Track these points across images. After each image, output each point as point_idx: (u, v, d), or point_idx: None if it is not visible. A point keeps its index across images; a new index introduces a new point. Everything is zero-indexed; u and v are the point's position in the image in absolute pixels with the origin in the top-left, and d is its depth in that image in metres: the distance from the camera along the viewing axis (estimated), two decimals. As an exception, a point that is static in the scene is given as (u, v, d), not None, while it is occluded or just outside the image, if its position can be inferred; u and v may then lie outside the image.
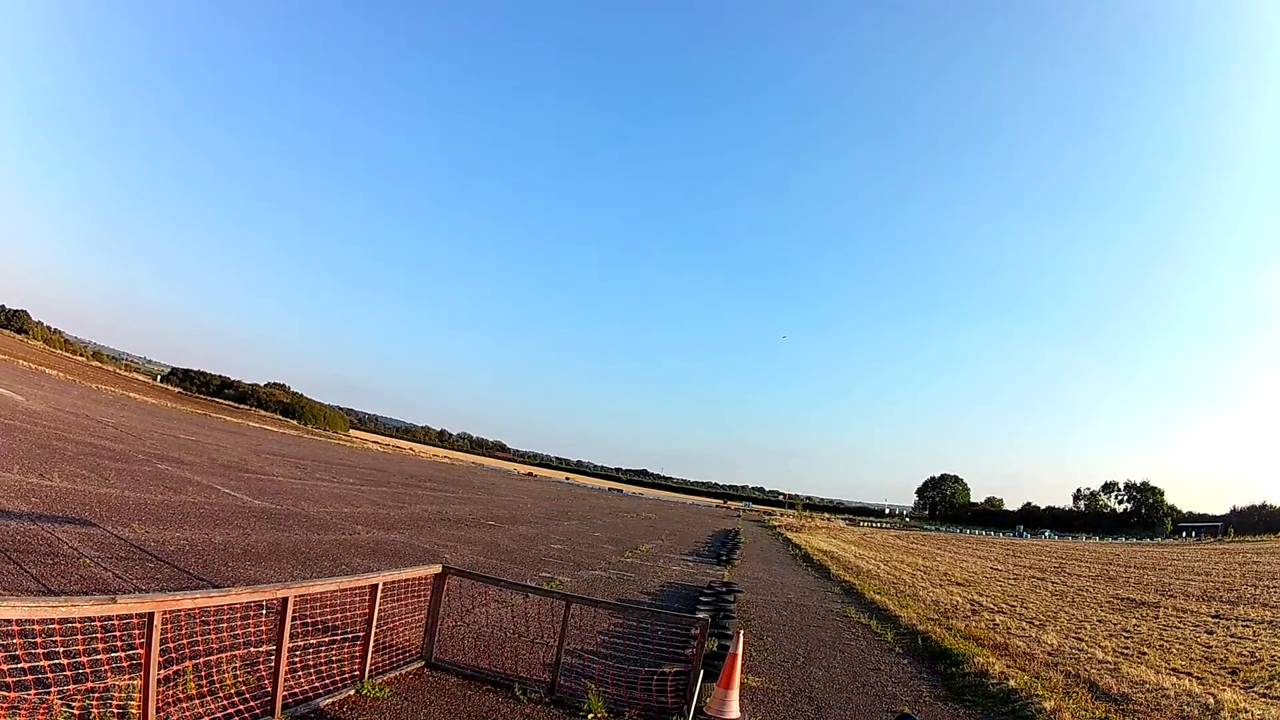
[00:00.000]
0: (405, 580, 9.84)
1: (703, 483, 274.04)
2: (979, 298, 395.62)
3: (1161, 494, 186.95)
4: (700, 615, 12.62)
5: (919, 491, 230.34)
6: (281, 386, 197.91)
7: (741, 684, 9.32)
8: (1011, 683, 12.62)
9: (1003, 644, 16.83)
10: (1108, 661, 15.84)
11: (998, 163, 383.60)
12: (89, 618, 6.16)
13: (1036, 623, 21.89)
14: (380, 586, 8.85)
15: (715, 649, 11.54)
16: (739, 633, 9.59)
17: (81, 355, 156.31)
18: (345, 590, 9.20)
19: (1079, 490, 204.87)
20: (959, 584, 33.73)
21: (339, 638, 9.39)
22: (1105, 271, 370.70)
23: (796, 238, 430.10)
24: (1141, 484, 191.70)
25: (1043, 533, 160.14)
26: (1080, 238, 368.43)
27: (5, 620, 5.26)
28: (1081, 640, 19.07)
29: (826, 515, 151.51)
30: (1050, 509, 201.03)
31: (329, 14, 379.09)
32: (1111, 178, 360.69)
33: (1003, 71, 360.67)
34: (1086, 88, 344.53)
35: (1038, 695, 11.77)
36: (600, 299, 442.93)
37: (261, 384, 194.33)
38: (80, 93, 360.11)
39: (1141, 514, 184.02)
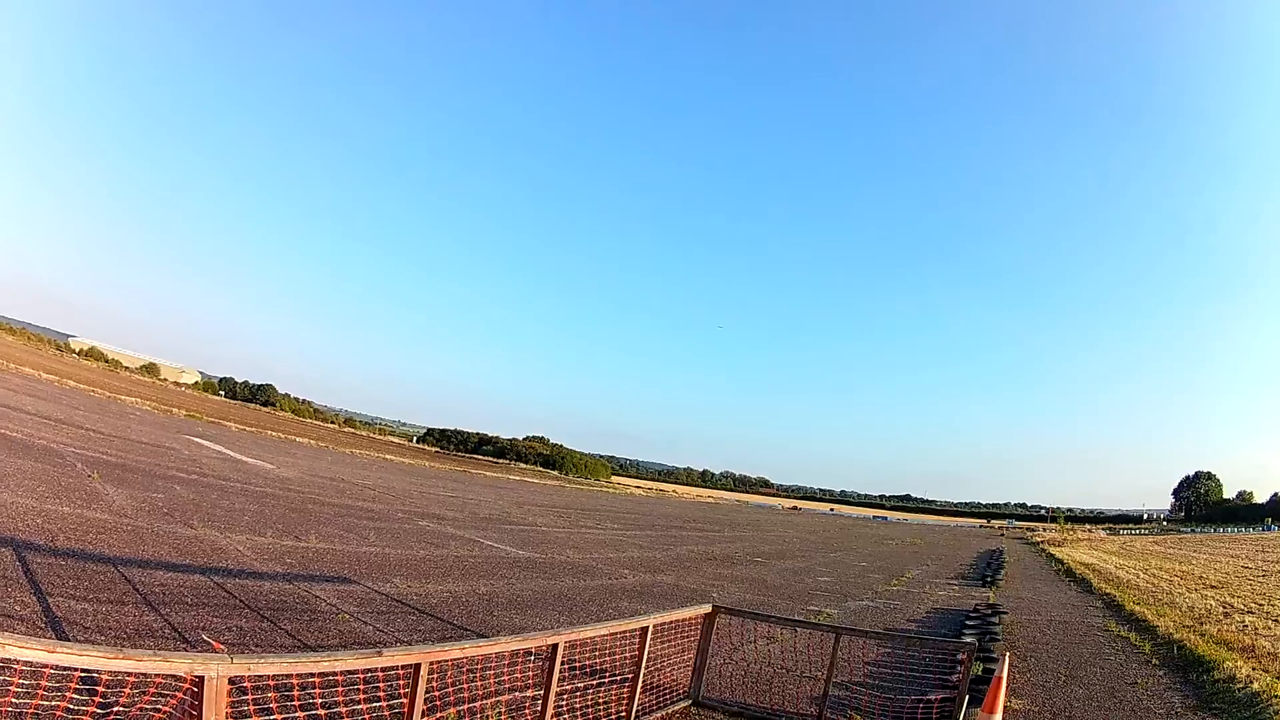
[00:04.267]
0: (675, 621, 10.37)
1: (965, 503, 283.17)
2: (1218, 273, 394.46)
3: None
4: (966, 640, 13.49)
5: (1174, 492, 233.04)
6: (541, 439, 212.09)
7: (1005, 707, 9.79)
8: (1255, 686, 13.50)
9: (1250, 646, 17.91)
10: (1346, 657, 17.40)
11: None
12: (352, 671, 6.54)
13: (1283, 621, 23.67)
14: (651, 628, 9.30)
15: (980, 673, 12.11)
16: (1004, 656, 10.28)
17: (333, 422, 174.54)
18: (615, 634, 9.50)
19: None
20: (1212, 586, 35.74)
21: (606, 680, 9.80)
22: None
23: (1025, 234, 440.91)
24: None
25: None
26: None
27: (260, 676, 5.56)
28: (1324, 636, 20.64)
29: (1088, 527, 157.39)
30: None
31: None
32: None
33: None
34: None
35: (1278, 696, 12.66)
36: (853, 324, 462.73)
37: (520, 438, 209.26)
38: (330, 178, 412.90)
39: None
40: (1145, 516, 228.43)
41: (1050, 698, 12.97)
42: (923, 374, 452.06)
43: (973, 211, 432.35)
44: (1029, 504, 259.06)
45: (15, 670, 4.76)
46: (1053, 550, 70.67)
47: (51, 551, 12.20)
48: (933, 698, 10.56)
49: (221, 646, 8.95)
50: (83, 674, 5.10)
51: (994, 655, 13.15)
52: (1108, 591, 31.64)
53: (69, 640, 8.24)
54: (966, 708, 9.63)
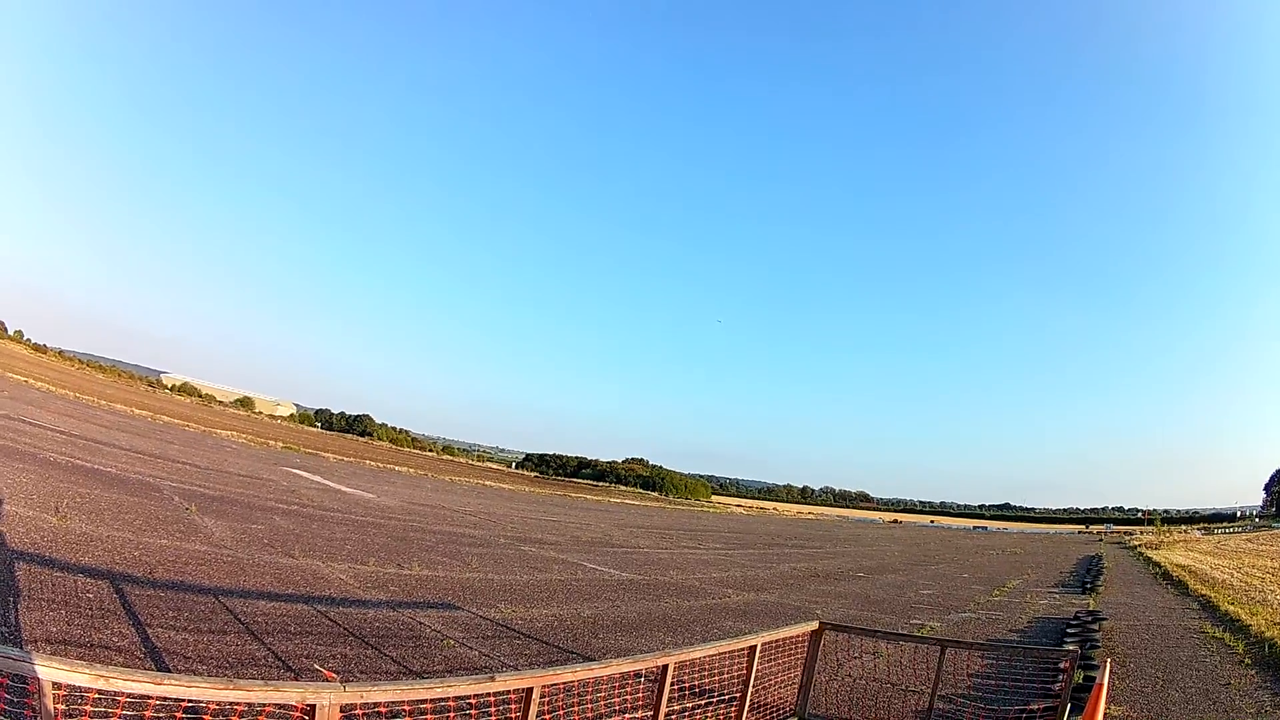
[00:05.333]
0: (782, 640, 10.55)
1: (1064, 509, 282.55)
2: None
3: None
4: (1068, 648, 14.25)
5: (1266, 487, 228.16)
6: (640, 461, 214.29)
7: (1105, 713, 9.86)
8: (1341, 680, 13.98)
9: (1336, 640, 18.49)
10: None
11: None
12: (463, 696, 6.53)
13: (1365, 613, 23.87)
14: (759, 647, 9.53)
15: (1082, 681, 12.22)
16: (1105, 663, 10.72)
17: (431, 450, 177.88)
18: (723, 654, 9.66)
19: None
20: (1300, 581, 36.14)
21: (713, 700, 9.88)
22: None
23: (1110, 234, 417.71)
24: None
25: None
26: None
27: (371, 704, 5.59)
28: (1402, 628, 20.77)
29: (1184, 528, 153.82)
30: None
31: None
32: None
33: None
34: None
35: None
36: (945, 333, 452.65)
37: (619, 460, 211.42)
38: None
39: None
40: (1238, 514, 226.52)
41: (1148, 702, 13.45)
42: (1019, 382, 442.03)
43: (1058, 212, 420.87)
44: (1125, 507, 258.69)
45: (120, 702, 4.78)
46: (1149, 553, 70.37)
47: (150, 583, 12.52)
48: (1035, 707, 10.89)
49: (333, 675, 9.04)
50: (188, 704, 5.12)
51: (1095, 663, 13.88)
52: (1203, 593, 32.12)
53: (169, 671, 8.37)
54: (1068, 715, 9.88)
